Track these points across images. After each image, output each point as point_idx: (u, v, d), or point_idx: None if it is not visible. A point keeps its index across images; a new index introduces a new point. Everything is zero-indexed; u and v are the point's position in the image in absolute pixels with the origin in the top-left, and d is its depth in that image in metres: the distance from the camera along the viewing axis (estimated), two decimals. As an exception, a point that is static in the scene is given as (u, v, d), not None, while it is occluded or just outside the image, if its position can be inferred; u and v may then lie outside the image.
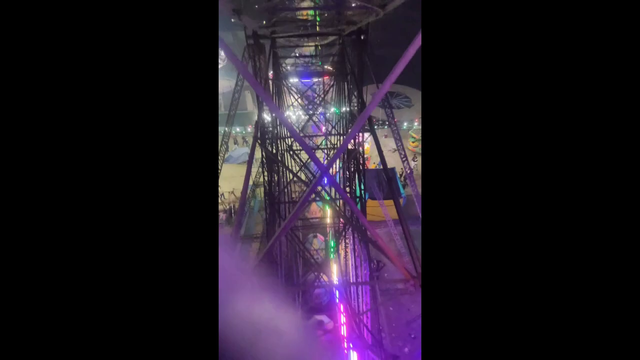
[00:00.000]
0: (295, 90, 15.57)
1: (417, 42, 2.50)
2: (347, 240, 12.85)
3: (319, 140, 20.35)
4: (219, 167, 13.27)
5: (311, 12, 11.24)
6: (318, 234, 20.48)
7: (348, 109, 11.27)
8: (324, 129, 18.22)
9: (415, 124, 33.90)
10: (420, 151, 30.23)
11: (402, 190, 24.88)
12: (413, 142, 32.25)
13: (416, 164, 28.93)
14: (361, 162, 10.09)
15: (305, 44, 14.91)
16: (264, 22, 8.90)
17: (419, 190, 27.01)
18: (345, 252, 12.93)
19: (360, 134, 9.80)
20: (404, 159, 13.24)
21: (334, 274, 14.00)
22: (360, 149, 10.24)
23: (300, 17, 10.80)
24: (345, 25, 9.39)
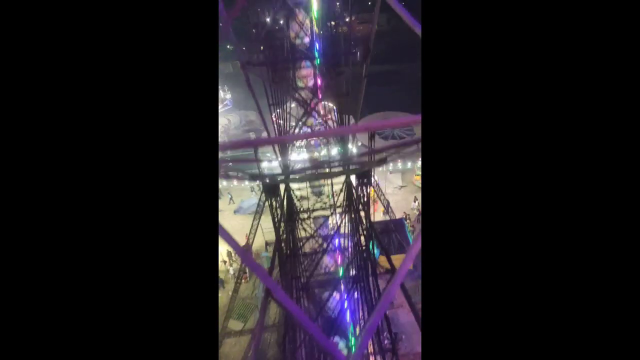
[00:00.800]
0: (309, 227, 16.35)
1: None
2: None
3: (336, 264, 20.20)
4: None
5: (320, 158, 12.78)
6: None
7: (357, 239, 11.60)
8: (339, 260, 18.28)
9: (419, 162, 30.81)
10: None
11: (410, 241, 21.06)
12: (418, 175, 28.88)
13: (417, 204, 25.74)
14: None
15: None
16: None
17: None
18: None
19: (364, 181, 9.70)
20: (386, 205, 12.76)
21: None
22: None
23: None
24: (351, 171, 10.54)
